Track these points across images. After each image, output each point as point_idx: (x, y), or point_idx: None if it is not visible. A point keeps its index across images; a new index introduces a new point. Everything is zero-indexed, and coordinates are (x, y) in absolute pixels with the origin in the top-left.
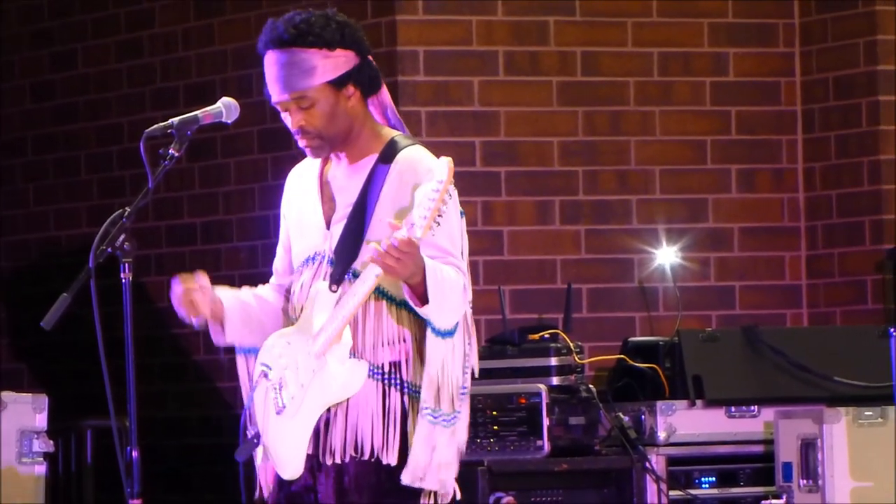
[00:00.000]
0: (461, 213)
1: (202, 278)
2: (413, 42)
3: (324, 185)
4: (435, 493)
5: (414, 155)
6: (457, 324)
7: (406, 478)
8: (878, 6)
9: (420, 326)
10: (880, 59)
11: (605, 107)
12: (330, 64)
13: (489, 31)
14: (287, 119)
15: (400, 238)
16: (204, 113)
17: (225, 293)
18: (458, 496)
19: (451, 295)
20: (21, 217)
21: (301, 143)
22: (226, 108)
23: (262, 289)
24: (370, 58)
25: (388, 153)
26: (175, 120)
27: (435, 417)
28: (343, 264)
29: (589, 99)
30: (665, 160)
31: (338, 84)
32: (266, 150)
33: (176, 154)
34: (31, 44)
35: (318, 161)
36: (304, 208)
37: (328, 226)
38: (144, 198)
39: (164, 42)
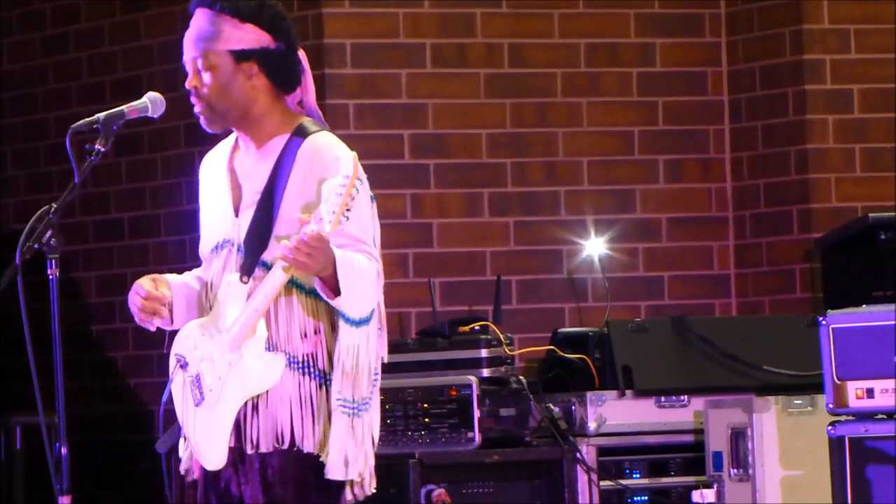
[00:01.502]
0: (372, 198)
1: (163, 286)
2: (340, 35)
3: (231, 172)
4: (358, 483)
5: (321, 141)
6: (371, 311)
7: (329, 472)
8: None
9: (333, 316)
10: (806, 48)
11: (532, 98)
12: (237, 34)
13: (416, 23)
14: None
15: (309, 233)
16: (130, 108)
17: (172, 279)
18: (374, 485)
19: (362, 284)
20: None
21: (195, 108)
22: (151, 102)
23: (199, 271)
24: (300, 55)
25: (296, 140)
26: (101, 115)
27: (348, 408)
28: (253, 255)
29: (516, 91)
30: (593, 151)
31: (239, 57)
32: (193, 144)
33: (102, 149)
34: None
35: (228, 148)
36: (213, 195)
37: (236, 213)
38: (71, 193)
39: (90, 37)
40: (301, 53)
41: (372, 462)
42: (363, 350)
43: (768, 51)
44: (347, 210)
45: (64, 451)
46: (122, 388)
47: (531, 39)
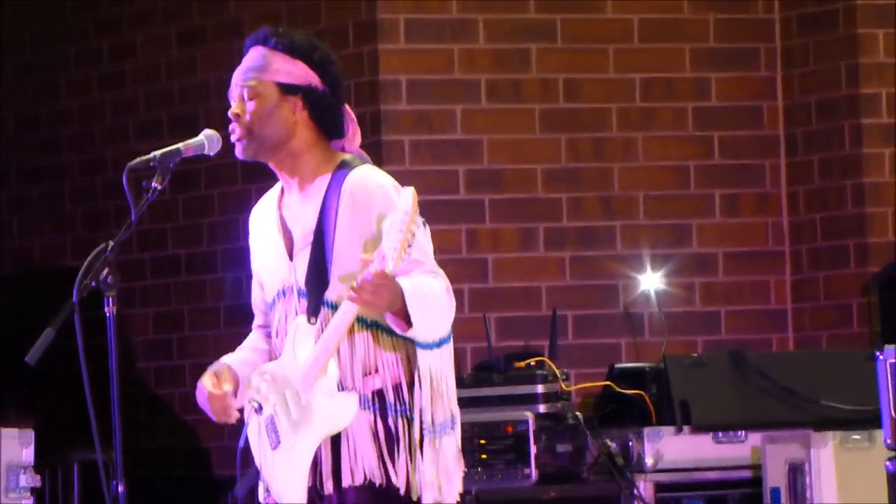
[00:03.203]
0: (423, 223)
1: (226, 380)
2: (395, 71)
3: (280, 218)
4: None
5: (364, 173)
6: (449, 329)
7: (422, 498)
8: (860, 29)
9: (407, 346)
10: (862, 81)
11: (587, 133)
12: (286, 68)
13: (471, 58)
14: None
15: (373, 272)
16: (186, 146)
17: (233, 362)
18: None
19: (435, 307)
20: (6, 250)
21: (232, 135)
22: (208, 140)
23: (254, 339)
24: (346, 108)
25: (339, 176)
26: (157, 153)
27: (436, 432)
28: (315, 296)
29: (572, 125)
30: (648, 185)
31: (285, 90)
32: (250, 181)
33: (159, 187)
34: (14, 75)
35: (275, 197)
36: (267, 243)
37: (291, 257)
38: (127, 230)
39: (147, 73)
40: (348, 109)
41: (458, 484)
42: (446, 369)
43: (824, 84)
44: (409, 246)
45: (121, 488)
46: (180, 425)
47: (586, 74)
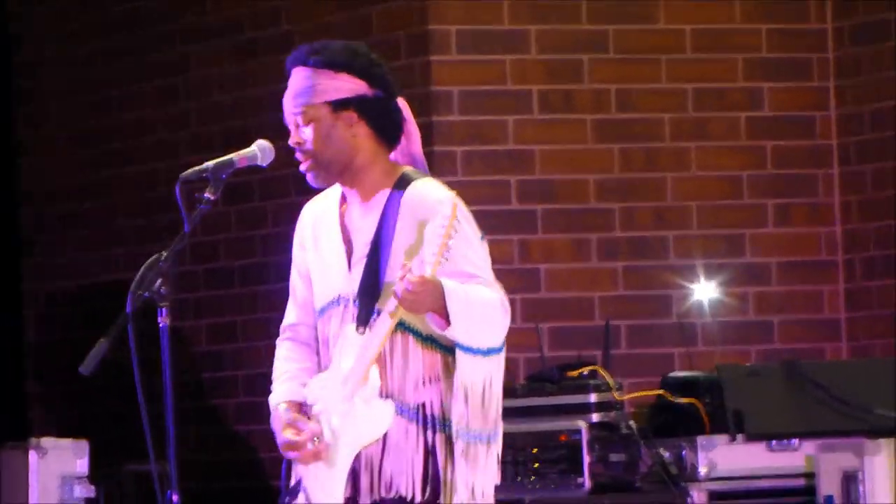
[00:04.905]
0: (482, 237)
1: (301, 422)
2: (447, 82)
3: (342, 227)
4: None
5: (423, 187)
6: (499, 341)
7: None
8: None
9: (452, 360)
10: None
11: (640, 143)
12: (332, 85)
13: (523, 69)
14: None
15: (412, 279)
16: (239, 156)
17: (289, 396)
18: None
19: (482, 313)
20: (59, 264)
21: (301, 165)
22: (261, 150)
23: (295, 356)
24: (399, 102)
25: (399, 189)
26: (210, 164)
27: (473, 436)
28: (367, 306)
29: (624, 135)
30: (701, 195)
31: (337, 106)
32: (303, 192)
33: (212, 198)
34: (67, 91)
35: (336, 202)
36: (326, 249)
37: (349, 268)
38: (181, 241)
39: (200, 87)
40: (402, 101)
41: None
42: (493, 379)
43: (877, 94)
44: (447, 251)
45: (175, 498)
46: (233, 435)
47: (638, 84)
